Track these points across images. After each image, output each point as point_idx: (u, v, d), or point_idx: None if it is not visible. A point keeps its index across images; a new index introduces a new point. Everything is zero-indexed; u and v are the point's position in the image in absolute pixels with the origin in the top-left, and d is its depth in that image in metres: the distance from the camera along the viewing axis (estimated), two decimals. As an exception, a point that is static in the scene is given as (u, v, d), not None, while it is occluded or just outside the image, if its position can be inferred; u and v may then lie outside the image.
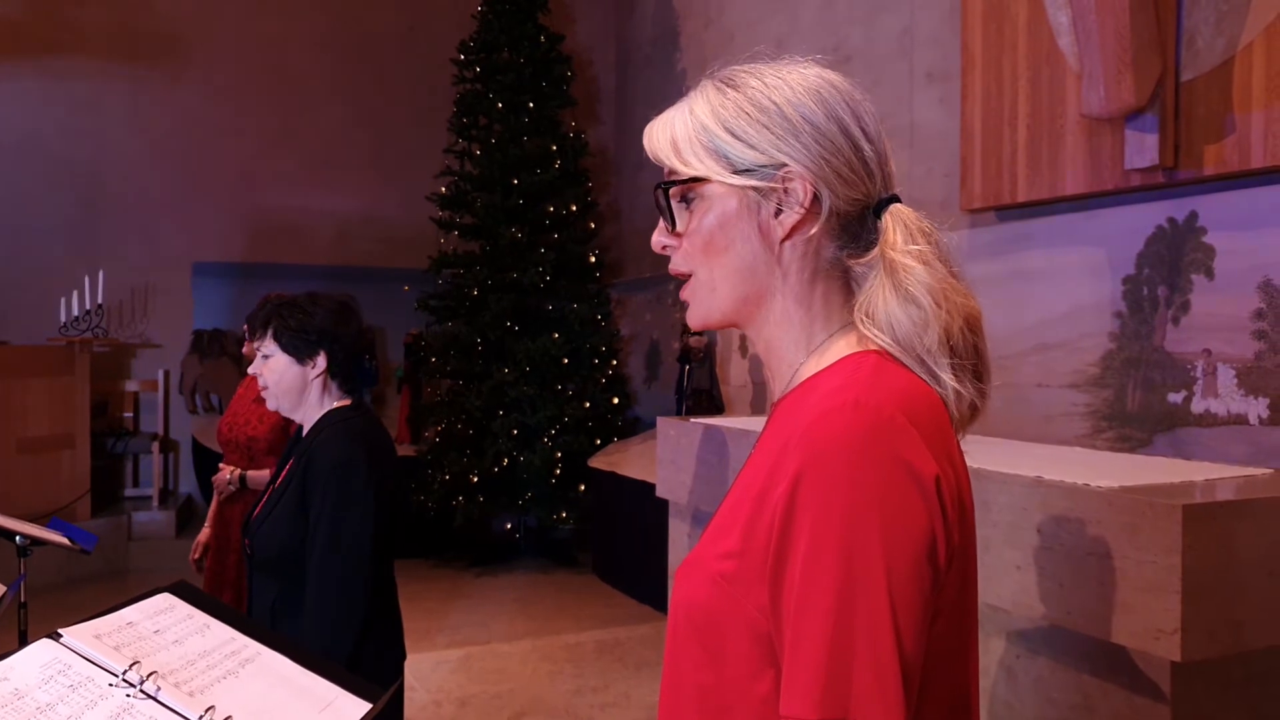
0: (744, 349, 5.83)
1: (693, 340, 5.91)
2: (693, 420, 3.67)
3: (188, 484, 7.69)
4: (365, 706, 1.26)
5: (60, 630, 1.18)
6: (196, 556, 3.40)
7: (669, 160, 0.95)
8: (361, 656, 1.92)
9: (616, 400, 7.14)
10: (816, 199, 0.91)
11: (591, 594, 6.17)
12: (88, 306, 6.79)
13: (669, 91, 0.99)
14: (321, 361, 2.10)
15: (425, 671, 4.42)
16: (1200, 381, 2.97)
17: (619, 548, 6.33)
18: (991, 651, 2.24)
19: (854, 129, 0.92)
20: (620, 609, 5.79)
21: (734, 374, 5.99)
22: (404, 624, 2.19)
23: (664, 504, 3.79)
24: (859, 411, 0.80)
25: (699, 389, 5.91)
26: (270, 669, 1.28)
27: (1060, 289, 3.43)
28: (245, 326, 3.43)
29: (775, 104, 0.91)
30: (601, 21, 8.48)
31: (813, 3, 5.14)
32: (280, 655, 1.31)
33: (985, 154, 3.62)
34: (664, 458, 3.74)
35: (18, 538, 2.63)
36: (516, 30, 7.12)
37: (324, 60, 8.06)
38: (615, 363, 7.30)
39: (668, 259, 0.99)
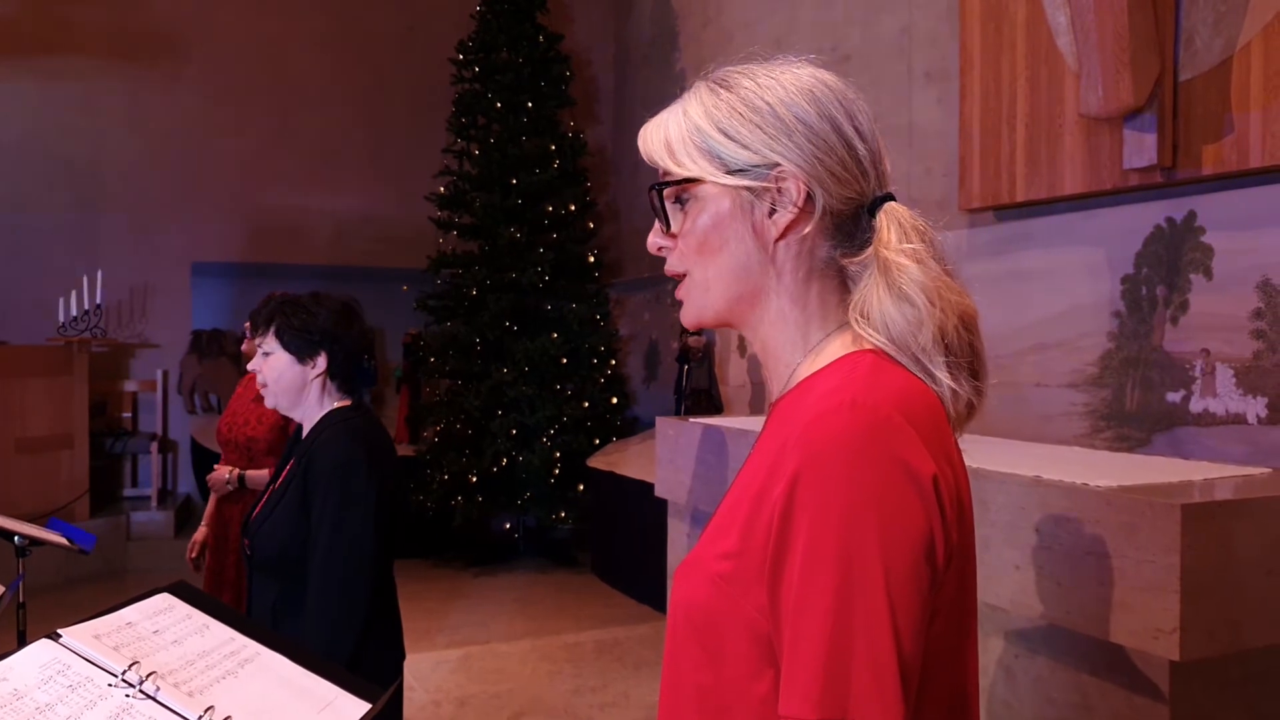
0: (743, 349, 5.83)
1: (691, 340, 5.91)
2: (691, 420, 3.67)
3: (186, 484, 7.68)
4: (365, 706, 1.26)
5: (59, 630, 1.18)
6: (194, 555, 3.40)
7: (663, 161, 0.96)
8: (362, 657, 1.92)
9: (615, 400, 7.14)
10: (810, 198, 0.91)
11: (590, 594, 6.17)
12: (86, 306, 6.79)
13: (668, 91, 1.00)
14: (322, 362, 2.10)
15: (424, 671, 4.42)
16: (1199, 381, 2.98)
17: (618, 547, 6.33)
18: (990, 651, 2.24)
19: (847, 128, 0.92)
20: (619, 609, 5.79)
21: (733, 374, 5.99)
22: (403, 624, 2.19)
23: (663, 504, 3.79)
24: (856, 411, 0.81)
25: (698, 389, 5.91)
26: (269, 669, 1.28)
27: (1059, 289, 3.44)
28: (248, 324, 3.44)
29: (768, 104, 0.91)
30: (600, 21, 8.48)
31: (811, 3, 5.14)
32: (279, 655, 1.31)
33: (984, 154, 3.63)
34: (663, 457, 3.74)
35: (16, 538, 2.63)
36: (515, 30, 7.12)
37: (323, 60, 8.06)
38: (614, 362, 7.30)
39: (666, 259, 0.99)
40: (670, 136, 0.95)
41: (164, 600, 1.34)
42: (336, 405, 2.13)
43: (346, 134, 8.10)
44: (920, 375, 0.89)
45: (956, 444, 0.91)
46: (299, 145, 8.00)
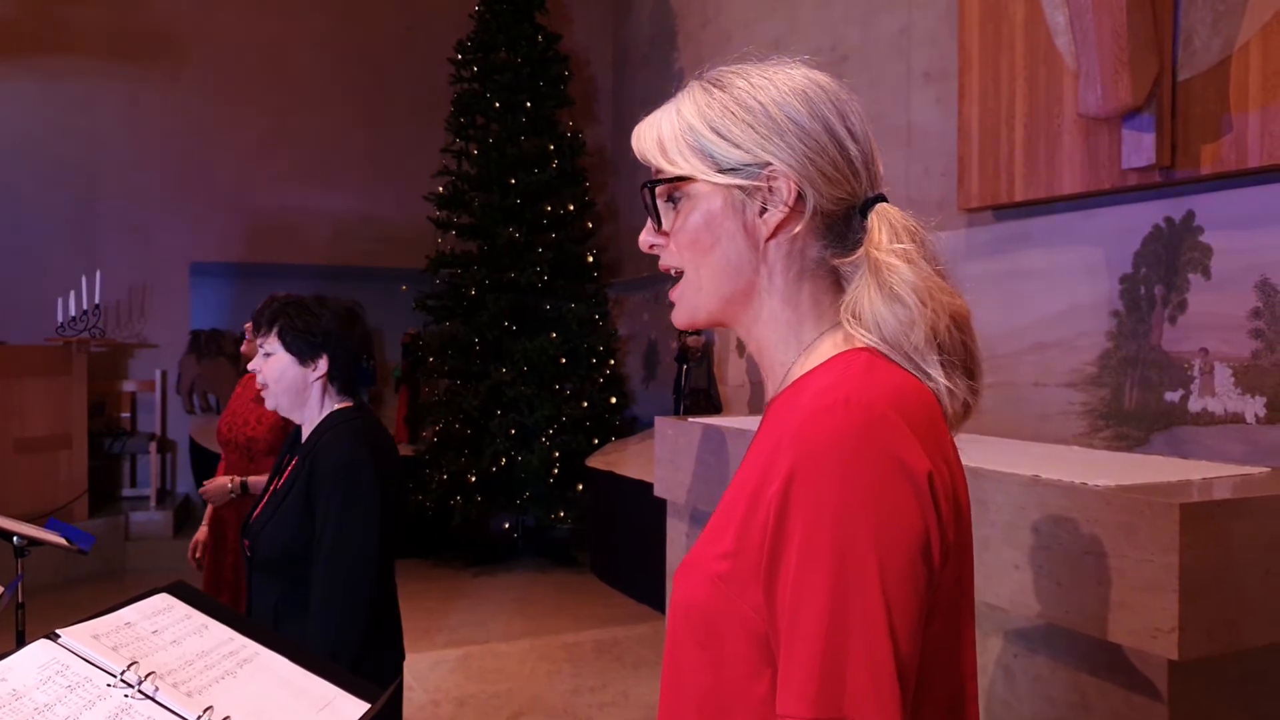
0: (741, 349, 5.84)
1: (690, 340, 5.91)
2: (690, 420, 3.67)
3: (185, 484, 7.68)
4: (363, 706, 1.26)
5: (58, 630, 1.18)
6: (197, 555, 3.39)
7: (655, 160, 0.96)
8: (363, 657, 1.92)
9: (614, 400, 7.14)
10: (801, 198, 0.91)
11: (589, 593, 6.17)
12: (85, 306, 6.79)
13: (666, 91, 1.00)
14: (323, 364, 2.10)
15: (424, 671, 4.42)
16: (1197, 380, 2.98)
17: (617, 547, 6.33)
18: (989, 650, 2.24)
19: (839, 128, 0.93)
20: (618, 608, 5.79)
21: (731, 373, 6.00)
22: (402, 624, 2.19)
23: (662, 503, 3.79)
24: (850, 409, 0.81)
25: (697, 388, 5.91)
26: (268, 669, 1.28)
27: (1057, 288, 3.44)
28: (248, 326, 3.43)
29: (760, 104, 0.92)
30: (599, 21, 8.48)
31: (810, 2, 5.14)
32: (278, 655, 1.31)
33: (982, 153, 3.63)
34: (662, 457, 3.74)
35: (15, 538, 2.63)
36: (514, 30, 7.12)
37: (321, 60, 8.06)
38: (613, 362, 7.30)
39: (664, 268, 1.00)
40: (663, 135, 0.96)
41: (163, 600, 1.34)
42: (338, 406, 2.13)
43: (345, 134, 8.10)
44: (915, 373, 0.89)
45: (952, 441, 0.91)
46: (298, 145, 7.99)
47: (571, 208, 7.16)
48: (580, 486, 6.77)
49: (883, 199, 0.94)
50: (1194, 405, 2.98)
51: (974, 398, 0.93)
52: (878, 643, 0.75)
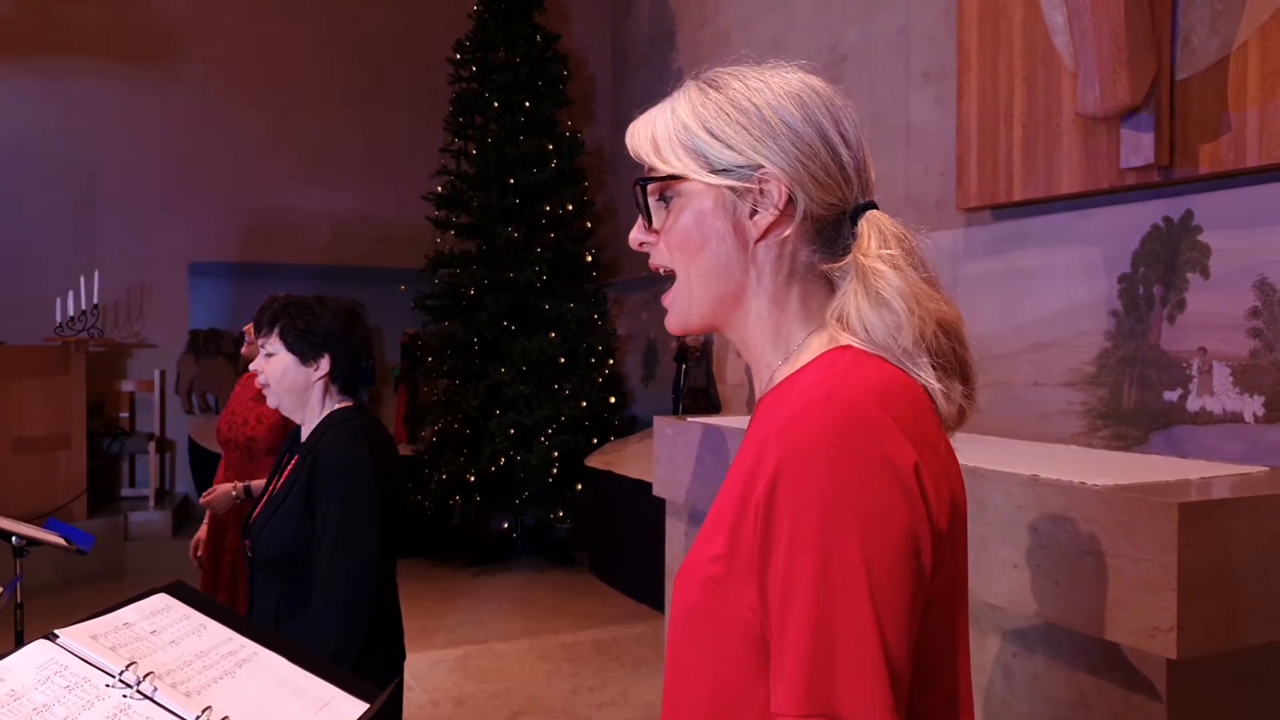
0: (741, 348, 5.83)
1: (689, 339, 5.91)
2: (689, 419, 3.67)
3: (184, 484, 7.68)
4: (362, 706, 1.26)
5: (57, 631, 1.18)
6: (198, 554, 3.38)
7: (648, 158, 0.97)
8: (363, 657, 1.92)
9: (613, 399, 7.14)
10: (792, 201, 0.92)
11: (589, 593, 6.17)
12: (83, 306, 6.78)
13: (665, 91, 1.00)
14: (325, 364, 2.10)
15: (423, 671, 4.42)
16: (1196, 380, 2.98)
17: (616, 547, 6.33)
18: (988, 649, 2.25)
19: (833, 134, 0.93)
20: (617, 608, 5.79)
21: (730, 373, 6.00)
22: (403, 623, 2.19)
23: (661, 503, 3.79)
24: (832, 406, 0.81)
25: (695, 388, 5.91)
26: (267, 669, 1.28)
27: (1056, 288, 3.44)
28: (248, 328, 3.42)
29: (755, 106, 0.92)
30: (597, 21, 8.48)
31: (809, 2, 5.14)
32: (277, 655, 1.31)
33: (981, 153, 3.63)
34: (661, 457, 3.74)
35: (14, 538, 2.63)
36: (512, 30, 7.12)
37: (320, 60, 8.06)
38: (612, 362, 7.30)
39: (654, 266, 1.00)
40: (657, 133, 0.96)
41: (161, 600, 1.34)
42: (338, 406, 2.13)
43: (344, 134, 8.10)
44: (902, 370, 0.90)
45: (941, 430, 0.91)
46: (296, 145, 7.99)
47: (570, 207, 7.16)
48: (579, 486, 6.77)
49: (873, 206, 0.95)
50: (1192, 405, 2.99)
51: (969, 403, 0.94)
52: (865, 638, 0.76)
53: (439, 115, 7.37)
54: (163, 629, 1.27)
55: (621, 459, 6.33)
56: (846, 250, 0.93)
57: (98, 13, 7.50)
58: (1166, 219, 3.08)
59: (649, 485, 3.90)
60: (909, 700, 0.80)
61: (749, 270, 0.94)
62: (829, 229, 0.94)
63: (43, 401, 6.29)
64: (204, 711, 1.13)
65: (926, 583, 0.81)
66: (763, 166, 0.91)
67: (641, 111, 1.00)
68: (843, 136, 0.93)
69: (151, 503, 7.08)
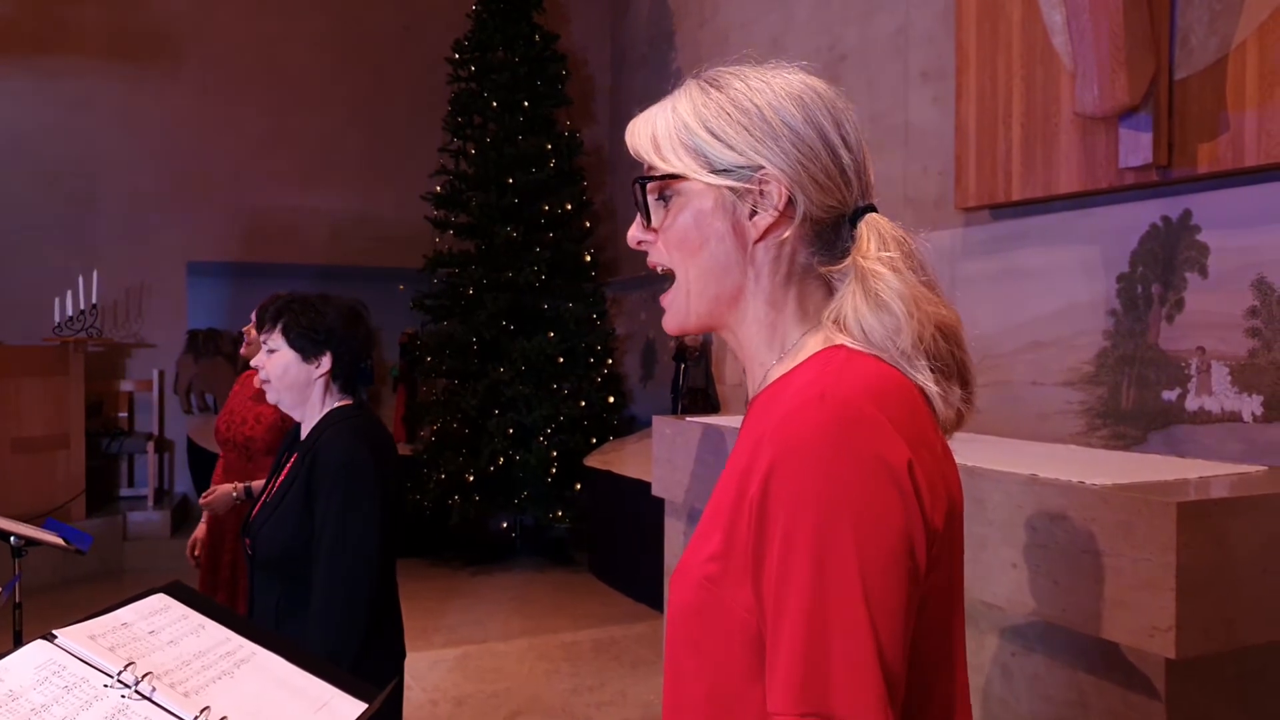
0: (739, 348, 5.83)
1: (688, 339, 5.90)
2: (688, 419, 3.67)
3: (183, 484, 7.67)
4: (361, 706, 1.26)
5: (55, 631, 1.18)
6: (196, 553, 3.38)
7: (648, 156, 0.96)
8: (363, 656, 1.92)
9: (612, 399, 7.14)
10: (791, 203, 0.92)
11: (588, 593, 6.17)
12: (82, 306, 6.78)
13: (663, 91, 1.00)
14: (326, 362, 2.10)
15: (422, 670, 4.42)
16: (1194, 379, 2.98)
17: (615, 546, 6.33)
18: (986, 649, 2.25)
19: (833, 136, 0.93)
20: (616, 607, 5.79)
21: (729, 372, 6.00)
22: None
23: (660, 502, 3.79)
24: (826, 405, 0.81)
25: (694, 387, 5.91)
26: (266, 669, 1.28)
27: (1055, 287, 3.44)
28: (246, 329, 3.42)
29: (756, 106, 0.92)
30: (596, 21, 8.47)
31: (807, 2, 5.14)
32: (276, 656, 1.31)
33: (980, 152, 3.63)
34: (660, 456, 3.74)
35: (13, 538, 2.63)
36: (511, 29, 7.12)
37: (319, 59, 8.05)
38: (611, 361, 7.30)
39: (652, 265, 1.00)
40: (657, 132, 0.96)
41: (160, 600, 1.34)
42: (338, 404, 2.13)
43: (343, 133, 8.10)
44: (902, 372, 0.89)
45: (936, 428, 0.91)
46: (295, 145, 7.99)
47: (569, 207, 7.16)
48: (578, 486, 6.77)
49: (873, 209, 0.94)
50: (1191, 404, 2.99)
51: (967, 406, 0.94)
52: (860, 638, 0.75)
53: (438, 115, 7.37)
54: (161, 629, 1.27)
55: (620, 459, 6.33)
56: (845, 253, 0.93)
57: (97, 12, 7.49)
58: (1165, 218, 3.08)
59: (648, 485, 3.90)
60: (904, 699, 0.80)
61: (747, 271, 0.94)
62: (828, 231, 0.94)
63: (41, 401, 6.29)
64: (202, 711, 1.13)
65: (921, 582, 0.81)
66: (763, 167, 0.91)
67: (641, 111, 1.00)
68: (843, 138, 0.93)
69: (150, 502, 7.08)
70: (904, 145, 4.25)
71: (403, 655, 2.15)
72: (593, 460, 6.63)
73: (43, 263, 7.19)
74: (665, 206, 0.97)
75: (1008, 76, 3.50)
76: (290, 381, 2.10)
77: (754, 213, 0.92)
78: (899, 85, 4.37)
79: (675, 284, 0.98)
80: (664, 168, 0.95)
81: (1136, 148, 2.97)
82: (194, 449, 7.30)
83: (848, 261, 0.92)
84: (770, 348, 0.96)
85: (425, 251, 7.16)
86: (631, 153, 0.99)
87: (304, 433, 2.14)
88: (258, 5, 7.94)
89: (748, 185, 0.92)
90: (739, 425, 3.01)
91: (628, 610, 5.70)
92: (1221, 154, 2.82)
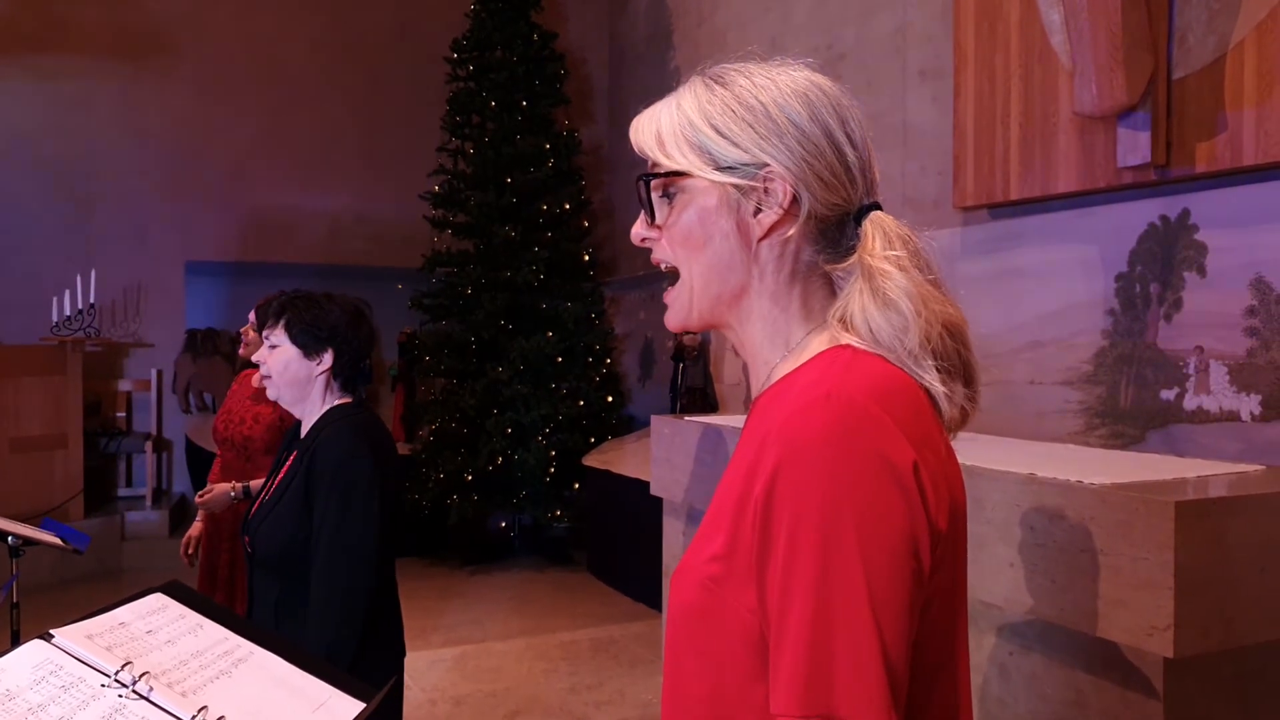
0: (738, 347, 5.83)
1: (687, 339, 5.90)
2: (687, 418, 3.67)
3: (181, 483, 7.67)
4: (359, 706, 1.26)
5: (52, 631, 1.18)
6: (190, 552, 3.38)
7: (652, 153, 0.96)
8: (362, 655, 1.92)
9: (611, 398, 7.14)
10: (796, 201, 0.91)
11: (586, 592, 6.17)
12: (80, 306, 6.77)
13: (662, 89, 0.99)
14: (328, 359, 2.11)
15: (420, 670, 4.41)
16: (1193, 378, 2.98)
17: (614, 546, 6.33)
18: (985, 648, 2.25)
19: (839, 134, 0.92)
20: (615, 607, 5.79)
21: (728, 372, 6.00)
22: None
23: (658, 502, 3.79)
24: (831, 405, 0.80)
25: (693, 387, 5.91)
26: (264, 669, 1.28)
27: (1053, 286, 3.44)
28: (244, 329, 3.42)
29: (761, 103, 0.91)
30: (594, 20, 8.47)
31: (805, 1, 5.14)
32: (274, 655, 1.30)
33: (978, 152, 3.63)
34: (658, 456, 3.74)
35: (10, 538, 2.63)
36: (509, 29, 7.11)
37: (317, 58, 8.05)
38: (609, 361, 7.30)
39: (656, 261, 1.00)
40: (662, 128, 0.95)
41: (157, 600, 1.34)
42: (338, 402, 2.13)
43: (341, 133, 8.09)
44: (907, 372, 0.89)
45: (941, 429, 0.91)
46: (293, 144, 7.98)
47: (568, 206, 7.15)
48: (577, 485, 6.77)
49: (878, 207, 0.94)
50: (1189, 403, 2.99)
51: (971, 405, 0.93)
52: (864, 639, 0.75)
53: (436, 114, 7.37)
54: (159, 628, 1.27)
55: (619, 458, 6.33)
56: (850, 251, 0.92)
57: (94, 12, 7.48)
58: (1163, 218, 3.08)
59: (646, 484, 3.90)
60: (908, 701, 0.80)
61: (751, 269, 0.94)
62: (833, 229, 0.93)
63: (39, 401, 6.28)
64: (200, 711, 1.13)
65: (925, 583, 0.81)
66: (768, 165, 0.91)
67: (639, 109, 1.00)
68: (849, 136, 0.93)
69: (148, 502, 7.07)
70: (902, 145, 4.25)
71: (402, 654, 2.15)
72: (591, 460, 6.63)
73: (40, 262, 7.18)
74: (669, 204, 0.96)
75: (1006, 76, 3.50)
76: (291, 377, 2.10)
77: (758, 210, 0.92)
78: (897, 85, 4.37)
79: (679, 281, 0.97)
80: (668, 164, 0.94)
81: (1135, 147, 2.97)
82: (192, 448, 7.29)
83: (853, 260, 0.91)
84: (774, 346, 0.96)
85: (423, 251, 7.16)
86: (635, 149, 0.98)
87: (304, 430, 2.14)
88: (256, 4, 7.93)
89: (752, 182, 0.91)
90: (737, 425, 3.01)
91: (626, 610, 5.70)
92: (1220, 153, 2.82)
